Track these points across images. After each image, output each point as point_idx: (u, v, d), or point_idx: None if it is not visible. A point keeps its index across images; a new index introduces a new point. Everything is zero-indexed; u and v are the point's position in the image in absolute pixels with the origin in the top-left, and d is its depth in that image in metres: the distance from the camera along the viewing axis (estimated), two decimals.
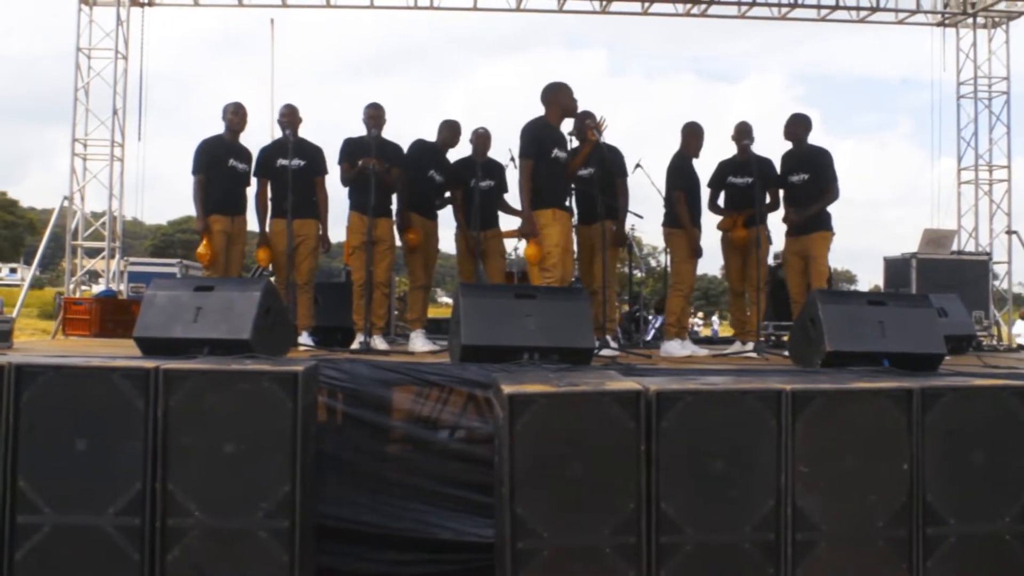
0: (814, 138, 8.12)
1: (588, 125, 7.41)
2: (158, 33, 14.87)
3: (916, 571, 4.17)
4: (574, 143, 8.06)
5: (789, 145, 8.17)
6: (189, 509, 4.06)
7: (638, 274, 12.25)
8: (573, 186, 7.84)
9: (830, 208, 8.04)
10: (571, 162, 7.50)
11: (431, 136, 8.26)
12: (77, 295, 13.12)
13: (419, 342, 7.64)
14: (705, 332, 31.90)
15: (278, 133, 8.05)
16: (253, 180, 7.96)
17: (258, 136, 8.72)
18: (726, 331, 27.90)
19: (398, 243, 8.07)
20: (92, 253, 13.89)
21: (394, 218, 7.90)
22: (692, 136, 8.13)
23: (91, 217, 14.14)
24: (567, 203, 7.33)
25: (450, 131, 8.24)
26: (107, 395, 4.07)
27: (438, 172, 8.06)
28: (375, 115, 7.80)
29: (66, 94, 13.72)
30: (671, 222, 8.02)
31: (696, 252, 7.96)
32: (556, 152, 7.27)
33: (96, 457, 4.04)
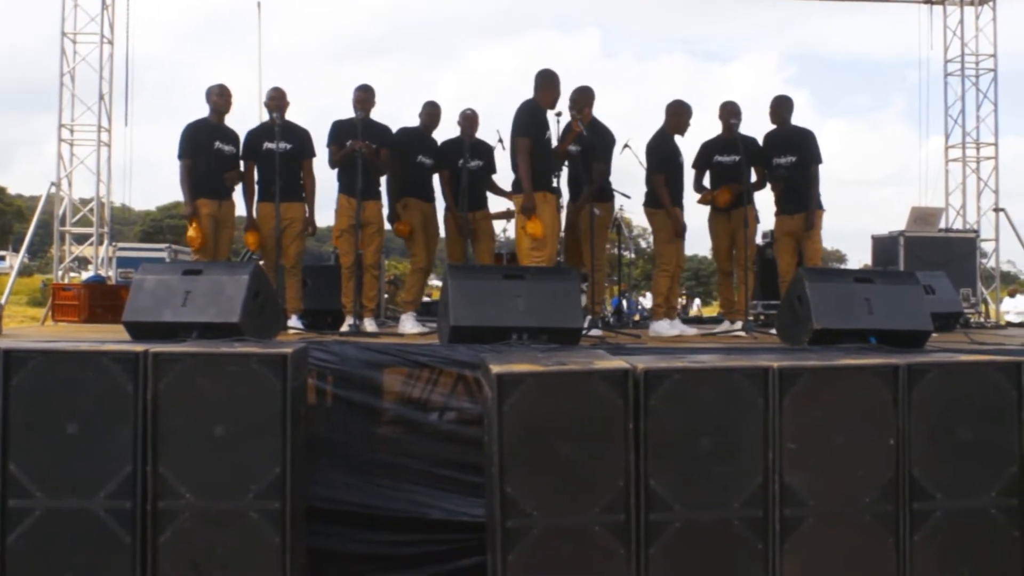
0: (806, 118, 8.19)
1: (573, 116, 7.40)
2: (144, 17, 14.80)
3: (903, 546, 4.21)
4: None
5: (771, 128, 8.23)
6: (180, 492, 4.07)
7: (627, 255, 12.24)
8: (565, 166, 7.83)
9: (820, 187, 8.08)
10: (558, 146, 7.49)
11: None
12: (66, 281, 13.08)
13: (409, 324, 7.65)
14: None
15: (266, 116, 8.03)
16: (241, 163, 7.93)
17: (246, 119, 8.67)
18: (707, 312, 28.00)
19: (387, 226, 8.07)
20: (80, 239, 13.83)
21: (383, 201, 7.91)
22: (674, 115, 8.10)
23: (79, 203, 14.06)
24: (555, 185, 7.33)
25: (431, 112, 8.24)
26: (97, 379, 4.07)
27: (426, 156, 8.06)
28: (364, 98, 7.80)
29: (52, 80, 13.66)
30: (652, 202, 8.02)
31: (678, 232, 7.95)
32: (547, 135, 7.29)
33: (87, 441, 4.05)
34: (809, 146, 8.06)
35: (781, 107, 8.24)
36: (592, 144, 7.58)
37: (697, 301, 37.81)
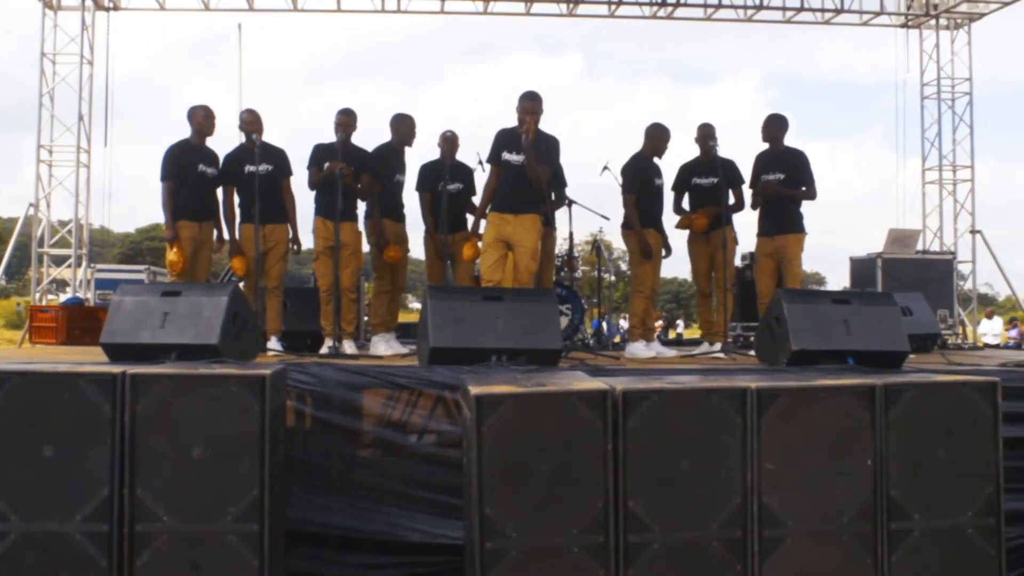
0: (788, 140, 8.18)
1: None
2: (124, 38, 14.84)
3: (881, 565, 4.23)
4: None
5: (764, 147, 8.23)
6: (157, 514, 4.05)
7: (608, 277, 12.28)
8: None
9: (803, 209, 8.10)
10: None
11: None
12: (44, 303, 13.01)
13: (381, 346, 7.65)
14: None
15: (243, 138, 8.01)
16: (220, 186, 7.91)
17: (226, 141, 8.68)
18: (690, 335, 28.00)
19: (365, 248, 8.06)
20: (59, 261, 13.79)
21: (361, 224, 7.91)
22: (651, 138, 8.09)
23: (57, 225, 14.03)
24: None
25: (403, 127, 8.17)
26: (74, 401, 4.05)
27: (401, 173, 8.06)
28: (345, 121, 7.82)
29: (31, 100, 13.63)
30: (629, 224, 8.04)
31: (646, 253, 7.92)
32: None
33: (63, 463, 4.02)
34: (800, 169, 8.06)
35: (773, 125, 8.20)
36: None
37: (680, 323, 37.86)
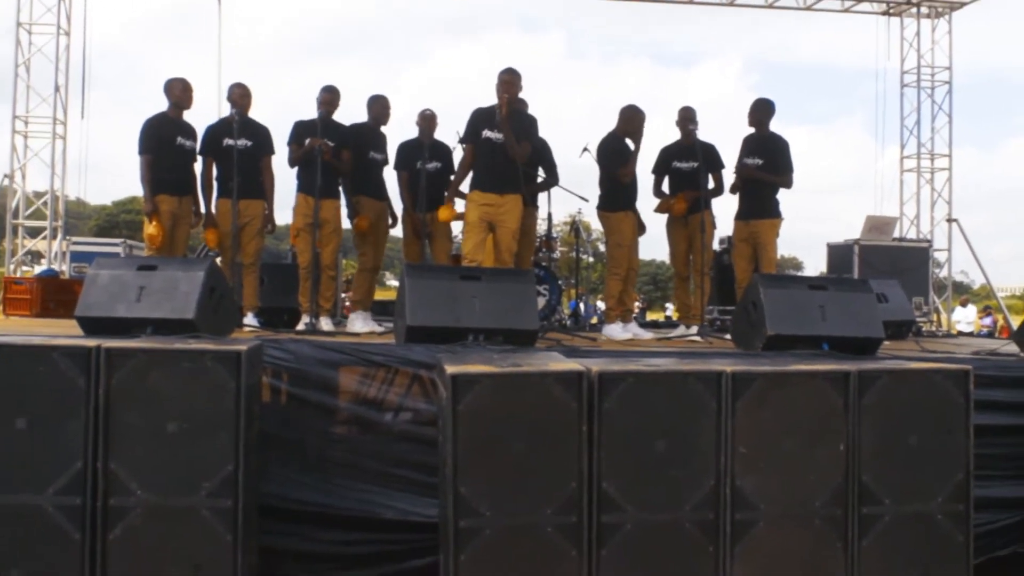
0: (772, 124, 8.19)
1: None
2: (102, 8, 14.73)
3: (851, 549, 4.27)
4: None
5: (751, 131, 8.26)
6: (131, 488, 4.04)
7: (586, 259, 12.30)
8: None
9: (779, 195, 8.13)
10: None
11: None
12: (18, 275, 12.93)
13: (359, 323, 7.65)
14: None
15: (225, 112, 7.97)
16: (200, 158, 7.87)
17: (203, 115, 8.62)
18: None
19: (346, 225, 8.05)
20: (34, 233, 13.71)
21: (342, 201, 7.89)
22: (626, 120, 8.02)
23: (32, 196, 13.94)
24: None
25: (383, 106, 8.21)
26: (48, 374, 4.02)
27: (378, 152, 8.04)
28: (328, 99, 7.80)
29: (6, 70, 13.52)
30: (605, 205, 8.01)
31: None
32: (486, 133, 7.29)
33: (36, 436, 4.00)
34: (779, 155, 8.09)
35: (759, 110, 8.22)
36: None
37: (670, 306, 37.82)
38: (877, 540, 4.30)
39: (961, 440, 4.40)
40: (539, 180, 8.50)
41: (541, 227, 9.88)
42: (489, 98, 7.31)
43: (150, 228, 7.56)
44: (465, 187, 7.58)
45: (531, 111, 7.80)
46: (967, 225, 15.20)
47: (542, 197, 9.07)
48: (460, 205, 8.41)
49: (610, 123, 8.03)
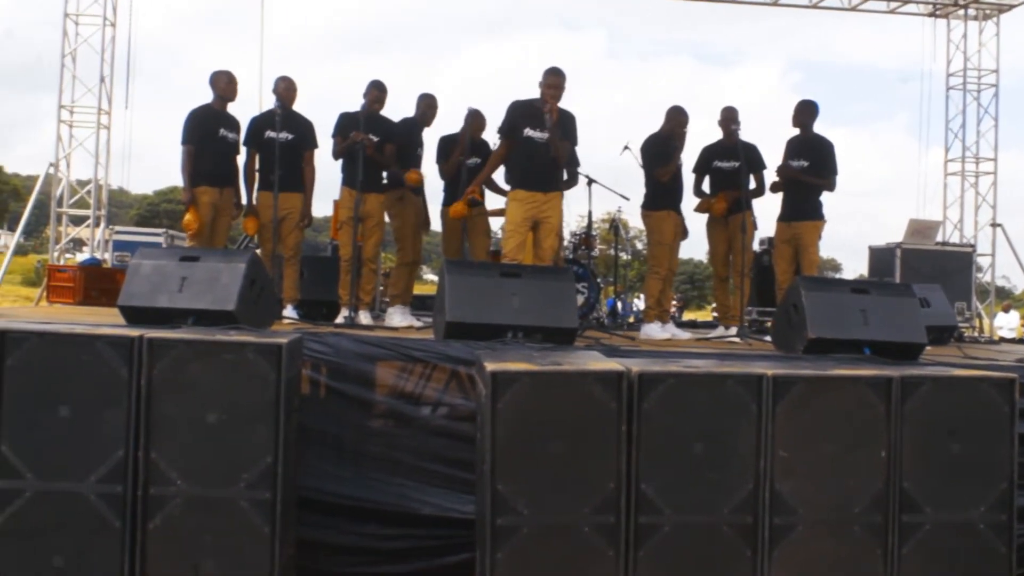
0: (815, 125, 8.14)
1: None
2: (147, 0, 14.81)
3: (891, 557, 4.23)
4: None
5: (790, 132, 8.21)
6: (171, 478, 4.07)
7: (624, 256, 12.27)
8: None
9: (822, 197, 8.07)
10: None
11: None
12: (61, 263, 13.07)
13: (397, 317, 7.65)
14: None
15: (267, 104, 8.01)
16: (243, 150, 7.91)
17: (245, 107, 8.66)
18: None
19: (387, 219, 8.06)
20: (77, 221, 13.83)
21: (383, 194, 7.90)
22: (668, 120, 8.04)
23: (76, 185, 14.06)
24: None
25: (429, 104, 8.22)
26: (91, 362, 4.06)
27: (420, 148, 8.07)
28: (376, 95, 7.81)
29: (53, 60, 13.65)
30: (648, 204, 7.99)
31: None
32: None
33: (79, 424, 4.04)
34: (825, 157, 8.04)
35: (803, 112, 8.18)
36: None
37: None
38: (917, 548, 4.26)
39: (1005, 449, 4.34)
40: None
41: (580, 224, 9.86)
42: (528, 93, 7.29)
43: (188, 216, 7.62)
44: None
45: (571, 108, 7.78)
46: (1011, 230, 15.02)
47: (581, 195, 9.06)
48: (498, 202, 8.43)
49: (649, 121, 8.01)
